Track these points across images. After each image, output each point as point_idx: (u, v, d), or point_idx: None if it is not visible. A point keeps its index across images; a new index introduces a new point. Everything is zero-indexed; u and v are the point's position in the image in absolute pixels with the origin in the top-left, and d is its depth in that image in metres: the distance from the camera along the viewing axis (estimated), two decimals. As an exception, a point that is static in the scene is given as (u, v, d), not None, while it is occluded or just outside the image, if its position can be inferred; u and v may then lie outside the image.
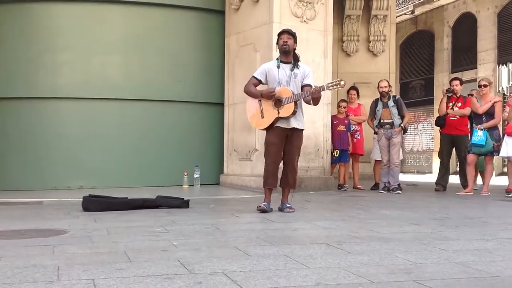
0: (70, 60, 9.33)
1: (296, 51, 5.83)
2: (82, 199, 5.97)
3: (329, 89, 5.71)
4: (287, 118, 5.62)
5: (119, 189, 8.55)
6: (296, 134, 5.75)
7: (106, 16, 9.45)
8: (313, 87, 5.56)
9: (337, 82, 5.65)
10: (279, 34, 5.81)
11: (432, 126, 16.98)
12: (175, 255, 3.29)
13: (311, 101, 5.63)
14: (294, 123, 5.67)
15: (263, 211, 5.61)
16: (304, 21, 8.77)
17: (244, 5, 9.28)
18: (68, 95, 9.27)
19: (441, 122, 9.04)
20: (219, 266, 2.99)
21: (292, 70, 5.70)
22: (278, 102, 5.60)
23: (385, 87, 8.87)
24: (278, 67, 5.73)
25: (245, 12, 9.28)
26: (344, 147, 9.37)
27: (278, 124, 5.66)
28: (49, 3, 9.35)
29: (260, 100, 5.73)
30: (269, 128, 5.72)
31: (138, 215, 5.47)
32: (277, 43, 5.85)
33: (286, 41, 5.69)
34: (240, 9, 9.40)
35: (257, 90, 5.80)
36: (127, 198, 6.23)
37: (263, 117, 5.72)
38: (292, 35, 5.75)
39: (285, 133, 5.70)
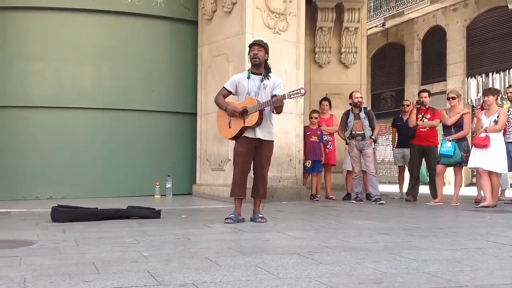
0: (41, 68, 9.20)
1: (268, 62, 5.85)
2: (51, 210, 5.88)
3: (291, 98, 5.73)
4: (253, 128, 5.63)
5: (89, 199, 8.44)
6: (264, 144, 5.76)
7: (77, 24, 9.34)
8: (276, 95, 5.59)
9: (298, 90, 5.70)
10: (250, 46, 5.82)
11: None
12: (145, 266, 3.26)
13: (274, 110, 5.67)
14: (259, 134, 5.68)
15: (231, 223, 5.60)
16: (277, 32, 8.82)
17: (217, 15, 9.29)
18: (38, 104, 9.13)
19: (411, 133, 9.15)
20: (190, 277, 2.96)
21: (262, 81, 5.73)
22: (244, 112, 5.63)
23: (360, 97, 8.98)
24: (248, 77, 5.76)
25: (218, 22, 9.29)
26: (317, 158, 9.41)
27: (246, 134, 5.68)
28: (19, 11, 9.20)
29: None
30: (237, 138, 5.74)
31: (109, 226, 5.41)
32: (248, 54, 5.87)
33: (257, 53, 5.71)
34: (213, 19, 9.41)
35: (224, 102, 5.82)
36: (97, 208, 6.16)
37: (230, 127, 5.74)
38: (263, 46, 5.77)
39: (253, 143, 5.71)
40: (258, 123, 5.61)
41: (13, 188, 8.92)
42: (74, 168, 9.18)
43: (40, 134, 9.20)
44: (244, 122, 5.63)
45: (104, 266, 3.26)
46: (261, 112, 5.60)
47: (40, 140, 9.17)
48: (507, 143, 8.31)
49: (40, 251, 3.87)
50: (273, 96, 5.66)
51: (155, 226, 5.36)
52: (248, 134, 5.68)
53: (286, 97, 5.59)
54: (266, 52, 5.79)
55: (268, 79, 5.76)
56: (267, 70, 5.81)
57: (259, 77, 5.76)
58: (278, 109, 5.64)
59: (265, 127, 5.71)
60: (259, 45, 5.76)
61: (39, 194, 8.91)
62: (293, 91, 5.69)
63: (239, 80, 5.81)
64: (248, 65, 6.08)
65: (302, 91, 5.71)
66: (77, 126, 9.32)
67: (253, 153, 5.76)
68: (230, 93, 5.88)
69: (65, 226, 5.35)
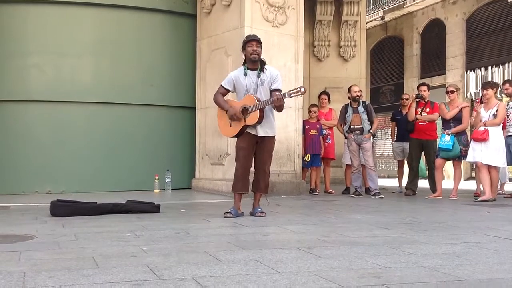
0: (39, 62, 9.17)
1: (262, 57, 5.81)
2: (50, 204, 5.88)
3: (291, 97, 5.73)
4: (254, 126, 5.63)
5: (88, 193, 8.44)
6: (266, 140, 5.76)
7: (76, 18, 9.31)
8: (276, 94, 5.56)
9: (298, 89, 5.70)
10: (247, 42, 5.76)
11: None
12: (144, 261, 3.26)
13: (275, 108, 5.66)
14: (261, 132, 5.68)
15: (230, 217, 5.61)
16: (276, 25, 8.80)
17: (216, 9, 9.26)
18: (37, 98, 9.12)
19: (410, 127, 9.14)
20: (189, 271, 2.96)
21: (259, 76, 5.71)
22: (244, 110, 5.62)
23: (359, 91, 8.96)
24: (245, 74, 5.73)
25: (216, 16, 9.26)
26: (316, 152, 9.41)
27: (247, 130, 5.67)
28: (18, 4, 9.18)
29: None
30: (238, 135, 5.73)
31: (108, 220, 5.41)
32: (243, 49, 5.81)
33: (256, 49, 5.67)
34: (212, 13, 9.38)
35: (225, 103, 5.80)
36: (96, 202, 6.16)
37: (231, 126, 5.74)
38: (260, 42, 5.75)
39: (255, 139, 5.71)
40: (259, 121, 5.60)
41: (12, 182, 8.92)
42: (73, 162, 9.17)
43: (39, 128, 9.18)
44: (245, 121, 5.62)
45: (104, 261, 3.26)
46: (261, 110, 5.59)
47: (39, 134, 9.15)
48: (506, 137, 8.31)
49: (40, 246, 3.87)
50: (272, 91, 5.65)
51: (154, 221, 5.37)
52: (250, 130, 5.67)
53: (286, 96, 5.58)
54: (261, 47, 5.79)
55: (264, 72, 5.73)
56: (262, 64, 5.78)
57: (256, 72, 5.73)
58: (279, 108, 5.63)
59: (267, 123, 5.69)
60: (257, 41, 5.72)
61: (38, 189, 8.91)
62: (293, 90, 5.69)
63: (237, 77, 5.79)
64: (247, 59, 6.04)
65: (302, 89, 5.70)
66: (76, 120, 9.31)
67: (254, 148, 5.76)
68: (228, 91, 5.87)
69: (64, 220, 5.34)
